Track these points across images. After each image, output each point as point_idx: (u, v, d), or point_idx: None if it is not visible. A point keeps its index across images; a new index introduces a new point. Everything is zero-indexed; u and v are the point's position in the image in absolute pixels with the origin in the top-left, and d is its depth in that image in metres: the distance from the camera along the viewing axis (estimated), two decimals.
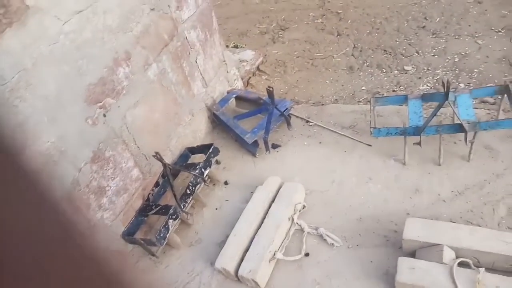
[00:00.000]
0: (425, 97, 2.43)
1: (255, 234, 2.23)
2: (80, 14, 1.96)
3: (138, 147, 2.37)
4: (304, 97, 3.43)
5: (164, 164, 2.27)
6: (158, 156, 2.23)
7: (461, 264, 1.81)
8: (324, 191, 2.51)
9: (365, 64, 3.60)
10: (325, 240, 2.22)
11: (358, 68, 3.58)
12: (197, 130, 2.95)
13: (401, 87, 3.23)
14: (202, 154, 2.63)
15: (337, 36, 4.06)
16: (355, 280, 2.01)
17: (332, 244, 2.19)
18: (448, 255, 1.80)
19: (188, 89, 2.80)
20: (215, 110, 2.93)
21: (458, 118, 2.10)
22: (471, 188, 2.24)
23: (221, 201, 2.62)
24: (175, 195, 2.27)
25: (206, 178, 2.52)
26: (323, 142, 2.85)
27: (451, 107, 2.10)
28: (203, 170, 2.44)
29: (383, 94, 3.18)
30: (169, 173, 2.29)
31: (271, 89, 2.58)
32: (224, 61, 3.21)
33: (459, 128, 2.17)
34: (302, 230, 2.30)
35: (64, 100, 1.91)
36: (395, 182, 2.42)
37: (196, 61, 2.85)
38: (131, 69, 2.28)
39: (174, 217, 2.25)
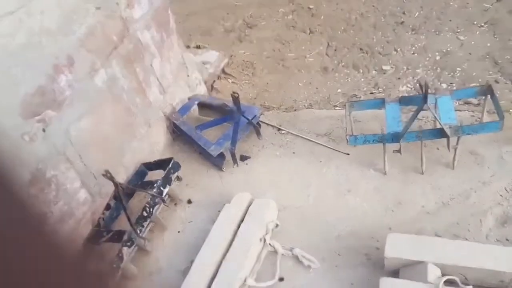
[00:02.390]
0: (403, 101, 2.50)
1: (222, 259, 2.21)
2: (12, 16, 1.91)
3: (85, 165, 2.31)
4: (275, 102, 3.46)
5: (116, 184, 2.23)
6: (108, 175, 2.19)
7: (447, 282, 1.85)
8: (298, 206, 2.52)
9: (340, 65, 3.67)
10: (301, 261, 2.23)
11: (333, 69, 3.65)
12: (155, 143, 2.92)
13: (379, 89, 3.31)
14: (161, 170, 2.59)
15: (309, 34, 4.13)
16: None
17: (309, 266, 2.20)
18: (433, 273, 1.84)
19: (143, 97, 2.77)
20: (175, 119, 2.91)
21: (439, 123, 2.17)
22: (456, 198, 2.31)
23: (184, 223, 2.59)
24: (129, 219, 2.23)
25: (165, 198, 2.49)
26: (296, 152, 2.87)
27: (431, 111, 2.16)
28: (161, 188, 2.41)
29: (360, 97, 3.25)
30: (122, 194, 2.25)
31: (236, 94, 2.58)
32: (184, 64, 3.20)
33: (441, 133, 2.24)
34: (275, 251, 2.30)
35: None
36: (376, 194, 2.47)
37: (151, 65, 2.83)
38: (74, 76, 2.23)
39: (128, 244, 2.21)
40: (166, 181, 2.44)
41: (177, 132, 3.03)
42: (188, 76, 3.27)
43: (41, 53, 2.06)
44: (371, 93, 3.29)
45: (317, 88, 3.51)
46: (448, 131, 2.21)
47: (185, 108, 3.01)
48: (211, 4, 5.07)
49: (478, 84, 2.86)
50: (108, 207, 2.45)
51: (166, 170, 2.46)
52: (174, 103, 3.08)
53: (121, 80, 2.56)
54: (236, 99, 2.59)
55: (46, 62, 2.08)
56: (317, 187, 2.60)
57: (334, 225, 2.38)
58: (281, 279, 2.18)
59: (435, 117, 2.18)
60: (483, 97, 2.51)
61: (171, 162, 2.50)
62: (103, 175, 2.23)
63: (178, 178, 2.69)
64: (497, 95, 2.81)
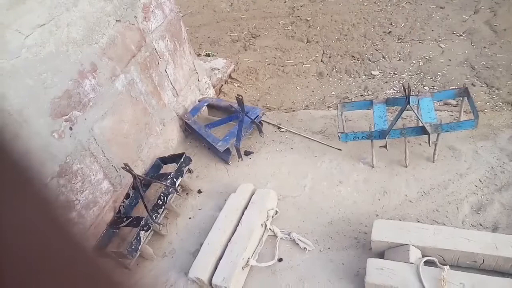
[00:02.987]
0: (389, 102, 2.49)
1: (228, 242, 2.23)
2: (42, 28, 1.93)
3: (107, 159, 2.34)
4: (276, 104, 3.46)
5: (134, 176, 2.25)
6: (127, 168, 2.21)
7: (427, 263, 1.86)
8: (296, 196, 2.54)
9: (334, 70, 3.67)
10: (297, 244, 2.24)
11: (327, 74, 3.65)
12: (169, 140, 2.94)
13: (369, 92, 3.30)
14: (174, 164, 2.61)
15: (306, 43, 4.13)
16: (327, 282, 2.03)
17: (305, 248, 2.21)
18: (414, 254, 1.85)
19: (158, 99, 2.79)
20: (187, 119, 2.93)
21: (421, 121, 2.17)
22: (436, 188, 2.31)
23: (195, 210, 2.61)
24: (146, 206, 2.25)
25: (178, 188, 2.51)
26: (294, 147, 2.88)
27: (413, 110, 2.16)
28: (174, 180, 2.43)
29: (351, 99, 3.24)
30: (139, 184, 2.27)
31: (240, 97, 2.59)
32: (195, 70, 3.22)
33: (422, 130, 2.23)
34: (275, 235, 2.31)
35: (28, 115, 1.87)
36: (364, 185, 2.47)
37: (165, 70, 2.84)
38: (97, 81, 2.25)
39: (145, 228, 2.23)
40: (179, 173, 2.46)
41: (189, 130, 3.04)
42: (198, 80, 3.28)
43: (68, 61, 2.08)
44: (361, 95, 3.28)
45: (313, 91, 3.51)
46: (428, 128, 2.20)
47: (195, 109, 3.02)
48: (219, 17, 5.08)
49: (456, 87, 2.85)
50: (127, 196, 2.47)
51: (179, 164, 2.48)
52: (186, 105, 3.10)
53: (139, 84, 2.58)
54: (240, 101, 2.60)
55: (72, 68, 2.11)
56: (313, 178, 2.61)
57: (327, 212, 2.39)
58: (280, 260, 2.20)
59: (417, 116, 2.17)
60: (461, 99, 2.51)
61: (183, 157, 2.52)
62: (123, 168, 2.25)
63: (190, 171, 2.70)
64: (473, 96, 2.82)
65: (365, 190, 2.44)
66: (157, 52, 2.76)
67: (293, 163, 2.76)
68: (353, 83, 3.46)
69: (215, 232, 2.29)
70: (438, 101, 2.71)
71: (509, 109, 2.69)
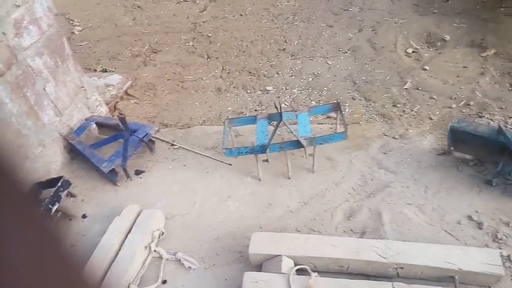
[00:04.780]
0: (270, 117, 2.60)
1: (109, 268, 2.13)
2: None
3: None
4: (173, 120, 3.43)
5: None
6: None
7: (300, 271, 1.95)
8: (185, 214, 2.51)
9: (231, 86, 3.74)
10: (182, 264, 2.22)
11: (225, 90, 3.71)
12: (51, 162, 2.75)
13: (263, 107, 3.42)
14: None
15: (207, 59, 4.17)
16: None
17: (189, 267, 2.19)
18: (287, 264, 1.92)
19: (35, 119, 2.60)
20: (71, 139, 2.77)
21: (295, 135, 2.29)
22: (315, 197, 2.45)
23: (77, 236, 2.46)
24: None
25: (57, 214, 2.35)
26: (187, 164, 2.87)
27: (286, 125, 2.28)
28: (50, 206, 2.27)
29: (246, 114, 3.33)
30: None
31: (122, 115, 2.52)
32: (82, 87, 3.07)
33: (298, 144, 2.36)
34: (160, 257, 2.27)
35: None
36: (251, 198, 2.53)
37: (44, 89, 2.67)
38: None
39: None
40: (55, 198, 2.31)
41: (75, 151, 2.88)
42: (87, 98, 3.13)
43: None
44: (255, 110, 3.38)
45: (210, 106, 3.54)
46: (303, 142, 2.33)
47: (81, 129, 2.87)
48: (121, 32, 4.94)
49: (330, 102, 3.03)
50: None
51: (55, 188, 2.32)
52: (72, 124, 2.93)
53: (9, 105, 2.39)
54: (122, 119, 2.53)
55: None
56: (203, 195, 2.61)
57: (215, 228, 2.40)
58: (164, 282, 2.15)
59: (290, 131, 2.29)
60: (339, 112, 2.69)
61: (61, 180, 2.37)
62: None
63: (72, 195, 2.55)
64: (352, 109, 3.05)
65: (251, 204, 2.50)
66: (33, 70, 2.59)
67: (185, 180, 2.74)
68: (249, 98, 3.56)
69: (95, 259, 2.17)
70: (314, 115, 2.87)
71: (381, 120, 2.96)
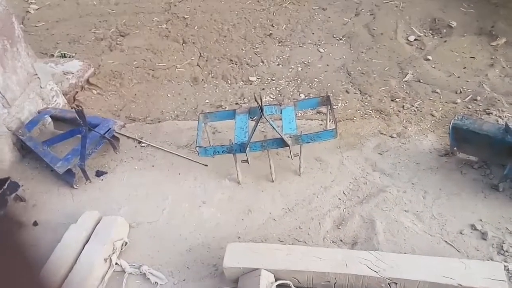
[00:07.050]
0: (251, 112, 2.59)
1: (62, 284, 2.10)
2: None
3: None
4: (142, 114, 3.40)
5: None
6: None
7: (282, 287, 1.95)
8: (152, 221, 2.50)
9: (210, 75, 3.73)
10: (148, 279, 2.20)
11: (202, 80, 3.69)
12: None
13: (245, 100, 3.41)
14: None
15: (182, 44, 4.15)
16: None
17: (156, 283, 2.18)
18: (266, 279, 1.92)
19: None
20: (20, 134, 2.73)
21: (278, 133, 2.29)
22: (301, 203, 2.46)
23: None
24: None
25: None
26: (156, 165, 2.85)
27: (269, 121, 2.27)
28: None
29: (225, 107, 3.32)
30: None
31: (80, 108, 2.49)
32: (35, 74, 3.02)
33: (283, 142, 2.35)
34: (123, 271, 2.24)
35: None
36: (229, 204, 2.53)
37: None
38: None
39: None
40: (0, 203, 2.27)
41: (26, 149, 2.84)
42: (41, 87, 3.08)
43: None
44: (236, 103, 3.38)
45: (185, 98, 3.53)
46: (288, 140, 2.33)
47: (33, 123, 2.83)
48: (83, 12, 4.87)
49: (319, 96, 3.03)
50: None
51: (1, 192, 2.28)
52: (22, 117, 2.89)
53: None
54: (80, 113, 2.49)
55: None
56: (173, 200, 2.60)
57: (186, 239, 2.39)
58: None
59: (273, 128, 2.28)
60: (328, 107, 2.70)
61: (7, 182, 2.33)
62: None
63: (21, 199, 2.51)
64: (345, 104, 3.07)
65: (229, 210, 2.50)
66: None
67: (153, 183, 2.72)
68: (229, 90, 3.55)
69: (47, 272, 2.14)
70: (301, 110, 2.88)
71: (377, 116, 2.98)
